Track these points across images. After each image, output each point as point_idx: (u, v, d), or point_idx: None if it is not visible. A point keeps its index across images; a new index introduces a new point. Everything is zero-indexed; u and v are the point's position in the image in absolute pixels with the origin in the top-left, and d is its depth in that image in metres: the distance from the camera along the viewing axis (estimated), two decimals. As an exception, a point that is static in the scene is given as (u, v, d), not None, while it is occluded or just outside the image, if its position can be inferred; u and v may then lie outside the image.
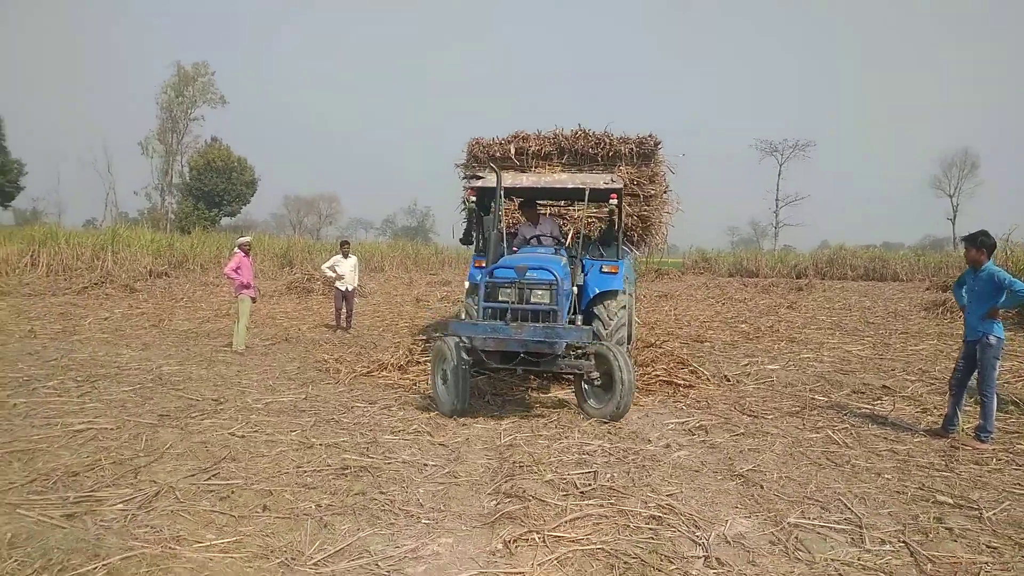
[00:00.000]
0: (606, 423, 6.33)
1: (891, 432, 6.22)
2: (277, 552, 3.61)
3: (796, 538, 3.90)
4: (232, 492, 4.48)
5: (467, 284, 8.71)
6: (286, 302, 18.94)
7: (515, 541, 3.77)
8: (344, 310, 13.24)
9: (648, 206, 9.80)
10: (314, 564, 3.49)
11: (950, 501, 4.51)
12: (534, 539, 3.81)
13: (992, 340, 5.93)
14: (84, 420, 6.08)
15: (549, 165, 10.00)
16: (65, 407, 6.55)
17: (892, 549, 3.78)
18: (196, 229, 41.91)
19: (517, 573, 3.42)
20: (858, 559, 3.64)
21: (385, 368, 8.78)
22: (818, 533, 3.98)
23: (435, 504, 4.35)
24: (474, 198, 8.25)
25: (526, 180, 8.35)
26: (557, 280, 6.61)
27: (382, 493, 4.51)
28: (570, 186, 8.14)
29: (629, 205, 9.53)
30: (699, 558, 3.62)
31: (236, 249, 10.76)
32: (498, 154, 10.02)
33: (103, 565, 3.26)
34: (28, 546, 3.44)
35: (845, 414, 6.84)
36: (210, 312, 15.78)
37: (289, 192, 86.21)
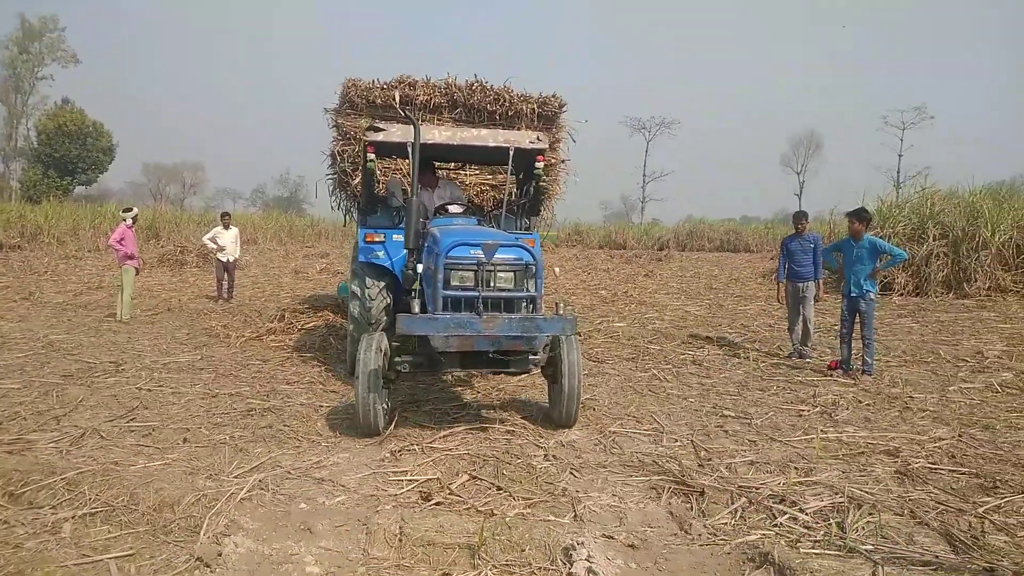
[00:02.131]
0: None
1: (703, 371, 7.72)
2: (203, 470, 4.43)
3: (614, 441, 5.17)
4: (152, 431, 5.22)
5: (353, 266, 7.32)
6: (160, 274, 18.78)
7: (400, 451, 4.80)
8: (226, 281, 13.58)
9: (547, 175, 8.18)
10: (236, 476, 4.34)
11: (732, 414, 5.96)
12: (415, 450, 4.86)
13: (872, 296, 7.58)
14: (-12, 382, 6.49)
15: (439, 119, 8.81)
16: (-38, 372, 6.89)
17: (680, 445, 5.12)
18: (47, 199, 39.34)
19: (401, 471, 4.45)
20: (655, 451, 4.95)
21: (273, 332, 9.47)
22: (630, 437, 5.28)
23: (332, 433, 5.28)
24: (373, 155, 6.61)
25: (439, 135, 6.65)
26: (536, 260, 5.27)
27: (286, 426, 5.40)
28: (491, 144, 6.59)
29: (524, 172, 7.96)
30: (540, 455, 4.81)
31: (121, 220, 10.98)
32: (379, 101, 8.82)
33: (61, 478, 3.98)
34: (-14, 472, 4.09)
35: (671, 359, 8.32)
36: (80, 285, 15.58)
37: (149, 160, 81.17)
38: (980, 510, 3.97)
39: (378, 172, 7.63)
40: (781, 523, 3.77)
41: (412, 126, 5.82)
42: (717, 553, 3.43)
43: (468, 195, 9.11)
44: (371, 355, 5.01)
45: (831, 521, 3.77)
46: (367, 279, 6.74)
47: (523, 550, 3.30)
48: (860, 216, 7.79)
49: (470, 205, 7.28)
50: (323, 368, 7.50)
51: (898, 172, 60.04)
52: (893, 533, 3.68)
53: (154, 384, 6.63)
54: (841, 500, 4.04)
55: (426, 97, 8.87)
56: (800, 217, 8.96)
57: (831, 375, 7.56)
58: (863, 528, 3.71)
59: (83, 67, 58.61)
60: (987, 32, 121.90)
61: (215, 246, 13.66)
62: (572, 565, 3.14)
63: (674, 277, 21.00)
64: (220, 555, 3.24)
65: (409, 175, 6.55)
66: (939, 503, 4.09)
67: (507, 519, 3.64)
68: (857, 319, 7.63)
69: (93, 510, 3.70)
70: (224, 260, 13.48)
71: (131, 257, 10.75)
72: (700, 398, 6.53)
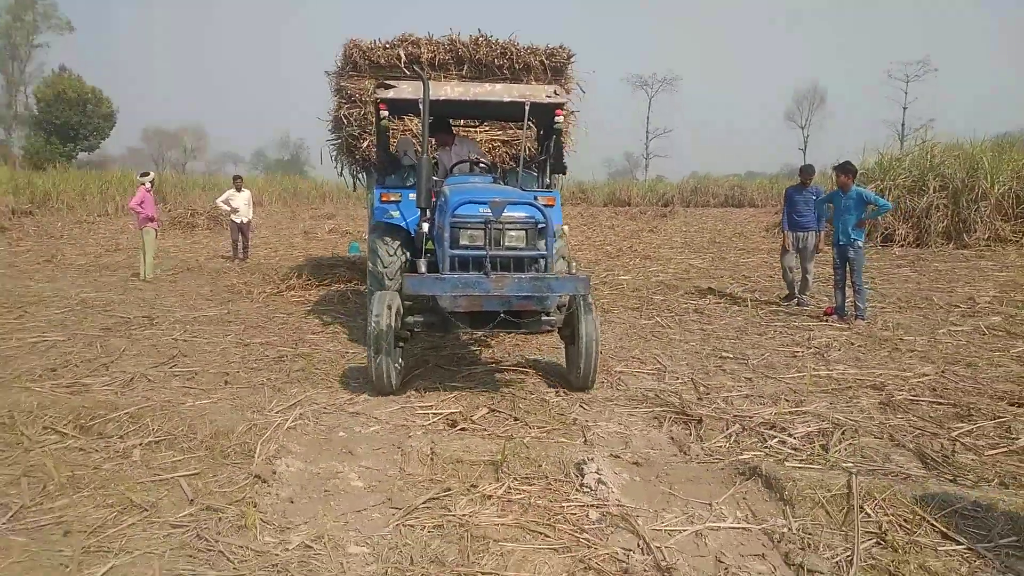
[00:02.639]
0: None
1: (704, 318, 8.13)
2: (247, 407, 4.87)
3: (619, 379, 5.61)
4: (195, 375, 5.67)
5: (371, 225, 7.20)
6: (172, 237, 19.17)
7: (425, 390, 5.25)
8: (240, 242, 13.98)
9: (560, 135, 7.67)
10: (277, 412, 4.77)
11: (730, 355, 6.38)
12: (438, 388, 5.31)
13: (859, 244, 7.95)
14: (35, 336, 6.93)
15: (445, 76, 8.74)
16: (8, 327, 7.33)
17: (681, 382, 5.55)
18: (52, 166, 39.56)
19: (427, 405, 4.90)
20: (657, 387, 5.39)
21: (292, 289, 9.90)
22: (635, 376, 5.72)
23: (361, 375, 5.71)
24: (386, 113, 6.36)
25: (451, 91, 6.39)
26: (545, 218, 5.03)
27: (317, 369, 5.85)
28: (506, 99, 6.33)
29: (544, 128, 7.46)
30: (552, 392, 5.25)
31: (140, 184, 11.34)
32: (382, 61, 8.71)
33: (124, 413, 4.43)
34: (54, 409, 4.54)
35: (674, 308, 8.73)
36: (99, 248, 16.00)
37: (149, 125, 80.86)
38: (953, 434, 4.39)
39: (390, 131, 7.43)
40: (771, 446, 4.20)
41: (421, 82, 5.60)
42: (712, 469, 3.86)
43: (510, 151, 9.04)
44: (382, 314, 4.95)
45: (816, 443, 4.20)
46: (383, 238, 6.62)
47: (540, 465, 3.74)
48: (846, 169, 8.11)
49: (485, 163, 6.99)
50: (345, 320, 7.92)
51: (903, 125, 59.62)
52: (872, 453, 4.10)
53: (188, 335, 7.07)
54: (826, 426, 4.47)
55: (431, 54, 8.73)
56: (807, 171, 9.25)
57: (827, 320, 7.96)
58: (845, 449, 4.14)
59: (78, 35, 57.83)
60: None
61: (228, 208, 14.02)
62: (583, 477, 3.58)
63: (678, 232, 21.32)
64: (275, 473, 3.69)
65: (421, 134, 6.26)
66: (916, 428, 4.52)
67: (525, 441, 4.09)
68: (848, 267, 8.00)
69: (157, 439, 4.15)
70: (238, 221, 13.85)
71: (151, 219, 11.12)
72: (701, 342, 6.94)
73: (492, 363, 6.26)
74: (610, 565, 2.85)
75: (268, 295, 9.54)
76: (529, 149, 7.61)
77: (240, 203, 13.84)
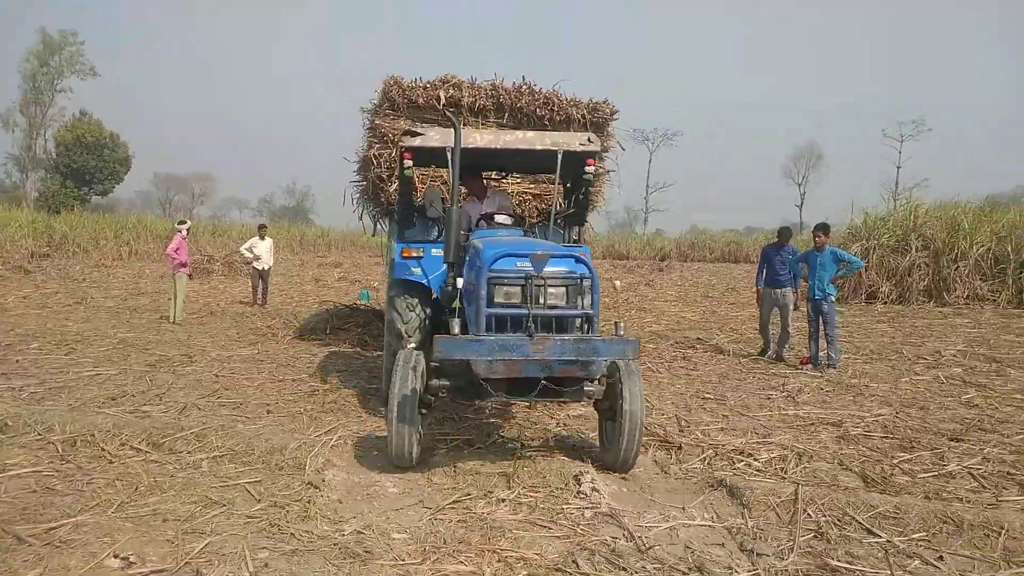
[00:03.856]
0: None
1: (691, 364, 8.93)
2: (291, 431, 5.65)
3: (612, 414, 6.38)
4: (239, 404, 6.45)
5: (390, 281, 6.69)
6: (191, 283, 20.03)
7: (442, 419, 6.03)
8: (260, 288, 14.85)
9: (592, 186, 7.38)
10: (316, 435, 5.54)
11: (711, 397, 7.17)
12: (454, 418, 6.09)
13: (832, 299, 8.82)
14: (88, 369, 7.73)
15: (483, 123, 8.34)
16: (61, 362, 8.13)
17: (666, 417, 6.33)
18: (66, 209, 40.67)
19: (444, 432, 5.67)
20: (645, 421, 6.15)
21: (314, 332, 10.71)
22: (626, 411, 6.49)
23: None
24: (411, 162, 6.02)
25: (480, 139, 6.04)
26: (591, 272, 4.71)
27: (347, 402, 6.63)
28: (538, 147, 5.99)
29: (573, 178, 7.01)
30: (553, 423, 6.03)
31: (176, 231, 12.29)
32: (421, 101, 8.41)
33: (190, 432, 5.21)
34: (128, 429, 5.32)
35: (664, 355, 9.53)
36: (123, 292, 16.87)
37: (159, 169, 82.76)
38: (894, 461, 5.16)
39: (416, 181, 7.25)
40: (738, 467, 4.97)
41: (453, 129, 5.25)
42: (687, 483, 4.64)
43: (538, 204, 8.78)
44: (407, 378, 4.57)
45: (775, 466, 4.98)
46: (403, 295, 6.26)
47: (544, 477, 4.52)
48: (822, 230, 9.03)
49: (517, 216, 6.62)
50: (366, 360, 8.72)
51: (896, 184, 61.14)
52: (822, 474, 4.87)
53: (227, 372, 7.87)
54: (787, 453, 5.25)
55: (471, 99, 8.47)
56: (784, 233, 10.10)
57: (802, 368, 8.76)
58: (800, 471, 4.91)
59: (98, 79, 59.50)
60: (987, 45, 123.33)
61: (252, 255, 14.92)
62: (580, 486, 4.36)
63: (673, 286, 22.24)
64: (324, 481, 4.46)
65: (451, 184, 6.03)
66: (864, 456, 5.29)
67: (532, 458, 4.87)
68: (821, 320, 8.83)
69: (220, 454, 4.93)
70: (260, 268, 14.73)
71: (184, 265, 12.01)
72: (686, 385, 7.73)
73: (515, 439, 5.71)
74: (601, 548, 3.61)
75: (292, 338, 10.35)
76: (559, 202, 7.24)
77: (263, 251, 14.74)
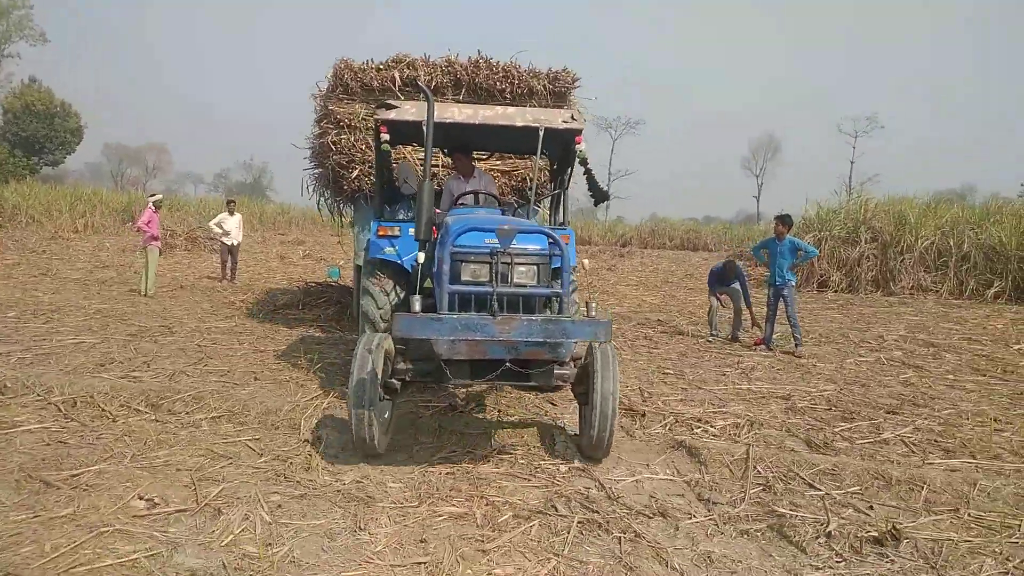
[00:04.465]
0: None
1: (652, 344, 9.46)
2: (280, 396, 5.97)
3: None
4: (227, 372, 6.74)
5: (361, 260, 6.55)
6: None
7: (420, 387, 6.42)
8: (229, 263, 14.95)
9: (587, 163, 6.63)
10: (306, 400, 5.88)
11: (671, 372, 7.68)
12: (432, 388, 6.48)
13: (792, 284, 9.35)
14: (70, 338, 7.90)
15: (441, 101, 7.57)
16: (42, 330, 8.27)
17: (630, 389, 6.81)
18: (15, 178, 39.51)
19: (426, 400, 6.06)
20: (612, 392, 6.65)
21: (288, 307, 10.95)
22: (594, 384, 6.97)
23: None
24: (387, 137, 5.58)
25: (459, 114, 5.65)
26: (561, 250, 4.44)
27: (328, 370, 6.96)
28: (519, 124, 5.62)
29: (560, 158, 6.67)
30: (528, 397, 6.46)
31: (148, 205, 12.35)
32: (375, 84, 8.22)
33: (186, 395, 5.52)
34: (125, 392, 5.59)
35: (626, 335, 10.05)
36: (88, 264, 16.77)
37: (111, 140, 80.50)
38: (836, 430, 5.72)
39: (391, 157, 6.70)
40: (696, 432, 5.47)
41: (426, 102, 4.74)
42: (651, 444, 5.13)
43: (517, 182, 8.52)
44: (368, 360, 4.30)
45: (730, 432, 5.50)
46: (376, 274, 5.94)
47: (523, 437, 4.98)
48: (784, 221, 9.61)
49: (498, 197, 6.43)
50: (343, 334, 9.04)
51: (850, 178, 63.12)
52: (771, 439, 5.40)
53: (208, 342, 8.12)
54: (740, 421, 5.77)
55: (427, 77, 8.26)
56: (730, 267, 10.37)
57: (756, 349, 9.35)
58: (751, 436, 5.43)
59: (48, 45, 57.51)
60: (940, 42, 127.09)
61: (221, 231, 14.99)
62: (556, 445, 4.82)
63: (635, 271, 22.85)
64: (319, 439, 4.83)
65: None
66: (809, 425, 5.84)
67: (512, 420, 5.31)
68: (781, 305, 9.42)
69: (218, 415, 5.26)
70: (229, 243, 14.83)
71: (155, 238, 12.11)
72: (647, 362, 8.24)
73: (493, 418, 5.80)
74: (576, 495, 4.07)
75: (267, 312, 10.59)
76: (537, 181, 6.82)
77: (232, 226, 14.83)
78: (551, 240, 4.46)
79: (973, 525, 3.95)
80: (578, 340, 4.27)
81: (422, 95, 4.82)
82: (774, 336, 9.42)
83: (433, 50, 9.31)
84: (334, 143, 8.44)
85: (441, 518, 3.70)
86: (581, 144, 5.73)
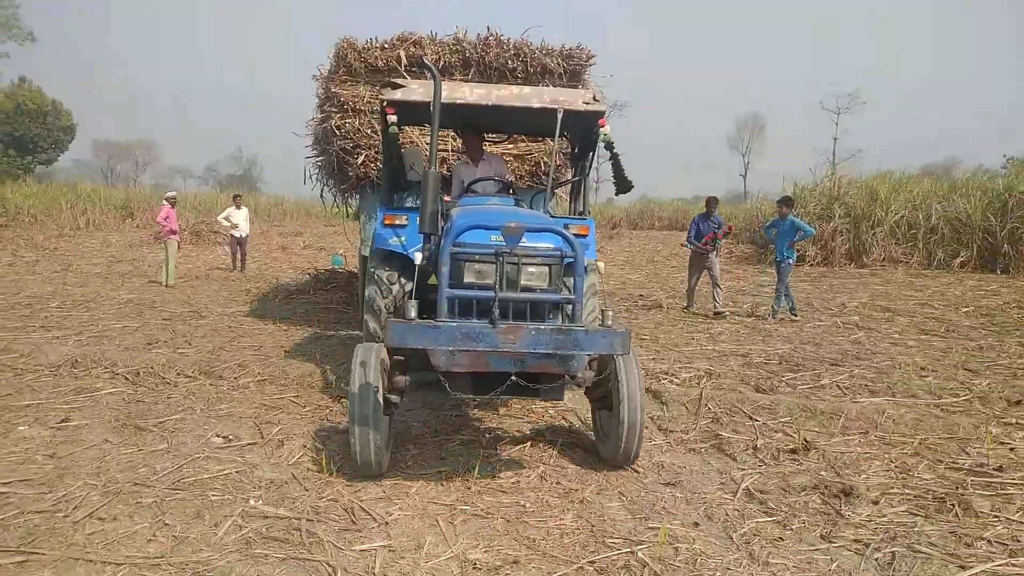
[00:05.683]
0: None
1: (631, 315, 10.51)
2: (312, 363, 6.97)
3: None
4: (259, 347, 7.74)
5: (366, 252, 6.41)
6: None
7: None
8: (239, 254, 15.90)
9: (613, 147, 5.90)
10: (333, 368, 6.88)
11: (647, 338, 8.72)
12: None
13: (791, 261, 10.40)
14: (114, 322, 8.89)
15: (450, 80, 7.50)
16: (85, 317, 9.24)
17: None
18: (10, 178, 40.14)
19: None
20: (594, 355, 7.69)
21: (301, 293, 11.94)
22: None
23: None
24: (394, 118, 5.08)
25: (470, 94, 5.16)
26: (575, 250, 3.97)
27: (348, 341, 7.96)
28: (536, 104, 5.14)
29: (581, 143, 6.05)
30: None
31: (164, 201, 13.30)
32: (380, 63, 7.92)
33: (234, 363, 6.52)
34: (179, 363, 6.59)
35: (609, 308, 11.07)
36: (103, 259, 17.69)
37: (99, 136, 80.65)
38: (782, 379, 6.77)
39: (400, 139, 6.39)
40: (663, 382, 6.51)
41: (432, 81, 4.26)
42: (624, 393, 6.17)
43: (534, 169, 8.22)
44: (367, 373, 3.96)
45: (691, 382, 6.54)
46: (383, 266, 5.47)
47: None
48: (786, 202, 10.71)
49: (511, 184, 5.95)
50: (356, 315, 10.03)
51: (833, 154, 64.12)
52: (726, 387, 6.44)
53: (236, 324, 9.11)
54: (701, 374, 6.81)
55: (435, 56, 7.94)
56: (712, 202, 11.61)
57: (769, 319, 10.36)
58: (710, 385, 6.47)
59: (39, 44, 57.87)
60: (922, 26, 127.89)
61: (229, 224, 15.92)
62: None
63: (622, 252, 23.88)
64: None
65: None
66: (760, 376, 6.88)
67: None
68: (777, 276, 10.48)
69: (261, 378, 6.27)
70: (238, 236, 15.77)
71: (174, 232, 13.06)
72: (636, 328, 9.27)
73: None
74: (561, 429, 5.11)
75: (282, 297, 11.57)
76: (557, 168, 6.41)
77: (239, 219, 15.76)
78: (564, 239, 3.98)
79: (876, 442, 5.00)
80: (594, 352, 3.82)
81: (427, 74, 4.33)
82: (779, 307, 10.35)
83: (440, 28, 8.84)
84: (338, 127, 8.16)
85: (455, 444, 4.74)
86: (606, 127, 5.14)
